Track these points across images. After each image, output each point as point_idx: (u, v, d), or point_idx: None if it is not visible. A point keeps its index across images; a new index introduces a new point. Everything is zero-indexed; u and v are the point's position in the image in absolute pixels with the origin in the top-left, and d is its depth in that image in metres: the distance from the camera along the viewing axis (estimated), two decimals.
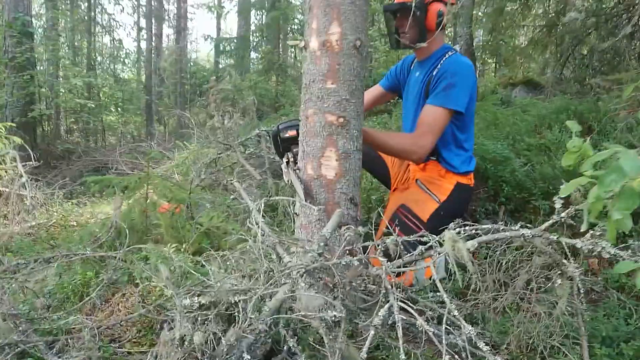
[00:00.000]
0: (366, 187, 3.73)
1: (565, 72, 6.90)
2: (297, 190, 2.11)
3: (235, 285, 1.55)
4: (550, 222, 1.52)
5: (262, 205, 1.74)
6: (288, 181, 2.22)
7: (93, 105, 9.31)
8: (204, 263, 1.67)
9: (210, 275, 1.59)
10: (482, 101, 5.88)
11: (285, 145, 2.36)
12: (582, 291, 1.43)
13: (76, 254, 1.97)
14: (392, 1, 2.74)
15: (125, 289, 1.91)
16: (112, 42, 15.84)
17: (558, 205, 1.49)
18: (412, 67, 2.83)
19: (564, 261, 1.65)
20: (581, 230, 1.34)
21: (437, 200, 2.57)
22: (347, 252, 1.74)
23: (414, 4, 2.35)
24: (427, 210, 2.55)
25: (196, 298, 1.52)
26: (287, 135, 2.33)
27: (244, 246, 1.69)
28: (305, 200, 2.08)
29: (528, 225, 1.76)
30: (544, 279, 2.12)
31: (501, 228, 1.73)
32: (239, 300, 1.50)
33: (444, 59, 2.54)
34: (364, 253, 1.85)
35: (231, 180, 2.56)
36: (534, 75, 8.65)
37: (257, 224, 1.70)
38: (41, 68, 10.15)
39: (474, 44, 7.57)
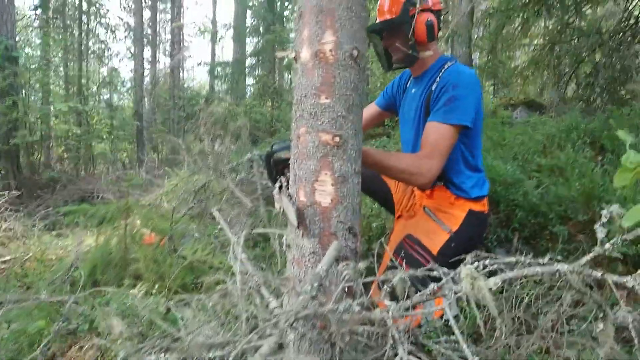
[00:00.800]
0: (366, 214, 3.47)
1: (569, 91, 6.75)
2: (289, 218, 1.85)
3: (211, 337, 1.28)
4: (592, 254, 1.25)
5: (242, 238, 1.47)
6: (280, 208, 1.95)
7: (79, 132, 9.04)
8: (173, 309, 1.39)
9: (181, 324, 1.31)
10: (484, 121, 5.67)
11: (279, 169, 2.10)
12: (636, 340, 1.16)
13: (27, 299, 1.70)
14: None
15: (85, 340, 1.63)
16: (105, 68, 15.77)
17: (601, 234, 1.23)
18: (408, 84, 2.59)
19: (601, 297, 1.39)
20: (636, 276, 1.08)
21: (448, 231, 2.28)
22: (346, 293, 1.47)
23: (409, 18, 2.13)
24: (437, 241, 2.26)
25: (162, 354, 1.25)
26: (282, 157, 2.08)
27: (223, 287, 1.41)
28: (298, 229, 1.82)
29: (558, 258, 1.51)
30: (576, 320, 1.85)
31: (528, 262, 1.47)
32: (215, 357, 1.22)
33: (442, 70, 2.29)
34: (366, 291, 1.58)
35: (214, 209, 2.30)
36: (536, 96, 8.51)
37: (238, 260, 1.43)
38: (32, 97, 9.97)
39: (472, 65, 7.40)
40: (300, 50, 1.88)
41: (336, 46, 1.81)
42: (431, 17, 2.26)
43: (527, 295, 1.96)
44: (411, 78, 2.54)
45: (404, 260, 2.24)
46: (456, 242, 2.26)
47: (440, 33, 2.42)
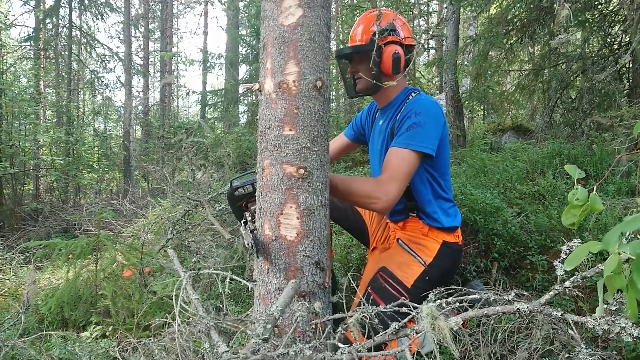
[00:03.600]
0: (346, 244, 3.40)
1: (555, 116, 6.75)
2: (253, 253, 1.79)
3: None
4: (552, 293, 1.20)
5: (189, 278, 1.41)
6: (248, 244, 1.89)
7: (62, 162, 9.00)
8: (119, 356, 1.32)
9: None
10: (470, 148, 5.65)
11: (242, 204, 2.05)
12: None
13: None
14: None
15: None
16: (97, 97, 15.78)
17: (560, 272, 1.18)
18: (376, 115, 2.56)
19: (572, 337, 1.33)
20: (596, 316, 1.02)
21: (422, 263, 2.23)
22: (301, 335, 1.41)
23: (376, 46, 2.09)
24: (412, 274, 2.20)
25: None
26: (242, 192, 2.03)
27: (172, 330, 1.34)
28: (264, 265, 1.77)
29: (524, 293, 1.45)
30: (548, 353, 1.79)
31: (492, 298, 1.41)
32: None
33: (407, 101, 2.27)
34: (337, 326, 1.51)
35: (167, 247, 2.23)
36: (524, 120, 8.53)
37: (180, 301, 1.37)
38: (24, 128, 9.92)
39: (460, 91, 7.43)
40: (263, 81, 1.85)
41: (299, 77, 1.78)
42: (399, 50, 2.24)
43: (502, 329, 1.90)
44: (378, 110, 2.51)
45: (377, 293, 2.18)
46: (430, 275, 2.20)
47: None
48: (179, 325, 1.26)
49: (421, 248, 2.27)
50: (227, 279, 1.51)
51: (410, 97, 2.28)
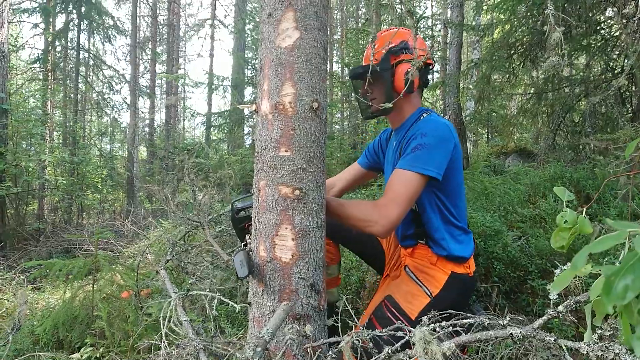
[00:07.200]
0: (346, 267, 3.37)
1: (558, 139, 6.75)
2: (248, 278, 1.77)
3: None
4: (545, 317, 1.18)
5: (180, 299, 1.40)
6: (235, 274, 1.85)
7: (65, 182, 9.05)
8: None
9: None
10: (470, 170, 5.65)
11: (243, 226, 2.03)
12: None
13: None
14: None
15: None
16: (104, 118, 15.96)
17: (553, 296, 1.16)
18: (390, 139, 2.50)
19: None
20: (584, 342, 1.00)
21: (428, 294, 2.11)
22: (292, 358, 1.39)
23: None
24: (417, 305, 2.09)
25: None
26: (244, 214, 2.01)
27: (163, 352, 1.33)
28: (259, 287, 1.75)
29: (519, 318, 1.43)
30: None
31: (487, 322, 1.39)
32: None
33: (417, 122, 2.20)
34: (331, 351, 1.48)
35: (165, 268, 2.22)
36: (527, 144, 8.53)
37: (179, 322, 1.35)
38: (31, 148, 10.01)
39: (463, 114, 7.45)
40: (260, 102, 1.86)
41: (296, 98, 1.78)
42: (411, 68, 2.19)
43: (501, 355, 1.87)
44: (392, 132, 2.47)
45: (380, 322, 2.09)
46: (436, 308, 2.01)
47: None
48: (166, 347, 1.24)
49: (428, 278, 2.17)
50: (215, 300, 1.49)
51: (422, 118, 2.20)
